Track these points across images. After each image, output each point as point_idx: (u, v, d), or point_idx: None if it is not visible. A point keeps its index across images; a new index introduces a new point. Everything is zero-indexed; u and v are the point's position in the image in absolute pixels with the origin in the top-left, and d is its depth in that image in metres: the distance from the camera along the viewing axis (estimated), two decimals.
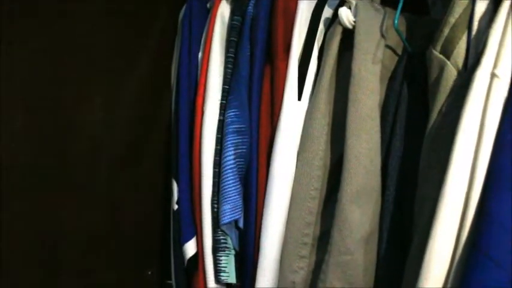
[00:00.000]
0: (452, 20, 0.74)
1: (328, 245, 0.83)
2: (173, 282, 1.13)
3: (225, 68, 1.03)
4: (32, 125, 0.93)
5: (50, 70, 0.95)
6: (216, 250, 1.01)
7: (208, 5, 1.12)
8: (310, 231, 0.89)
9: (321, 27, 0.95)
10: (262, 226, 0.92)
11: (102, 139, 1.07)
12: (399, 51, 0.88)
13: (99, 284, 1.08)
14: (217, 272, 1.02)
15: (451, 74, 0.74)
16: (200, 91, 1.04)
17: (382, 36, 0.85)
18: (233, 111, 0.98)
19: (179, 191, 1.08)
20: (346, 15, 0.86)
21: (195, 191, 1.04)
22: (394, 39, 0.87)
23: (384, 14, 0.86)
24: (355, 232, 0.81)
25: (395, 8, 0.83)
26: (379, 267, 0.84)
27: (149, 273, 1.20)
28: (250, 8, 1.02)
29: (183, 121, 1.07)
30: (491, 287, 0.63)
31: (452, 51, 0.74)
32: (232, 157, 0.97)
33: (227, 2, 1.07)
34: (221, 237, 1.00)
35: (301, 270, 0.89)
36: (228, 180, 0.97)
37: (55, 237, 0.98)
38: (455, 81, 0.73)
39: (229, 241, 1.01)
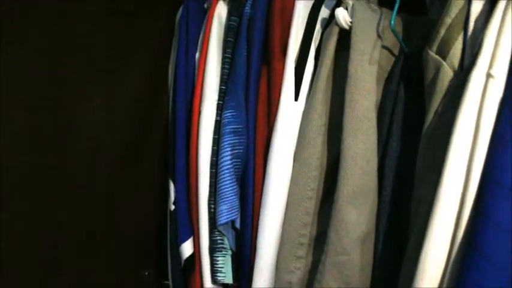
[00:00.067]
0: (448, 20, 0.74)
1: (324, 245, 0.83)
2: (170, 282, 1.13)
3: (222, 68, 1.03)
4: (32, 125, 0.93)
5: (49, 70, 0.95)
6: (212, 250, 1.01)
7: (205, 6, 1.12)
8: (306, 231, 0.89)
9: (318, 27, 0.95)
10: (259, 226, 0.92)
11: (102, 139, 1.07)
12: (396, 52, 0.88)
13: (97, 284, 1.08)
14: (214, 272, 1.02)
15: (447, 74, 0.74)
16: (197, 91, 1.04)
17: (379, 36, 0.85)
18: (230, 112, 0.98)
19: (176, 192, 1.07)
20: (342, 15, 0.86)
21: (191, 191, 1.04)
22: (390, 40, 0.87)
23: (381, 14, 0.86)
24: (351, 232, 0.81)
25: (392, 8, 0.83)
26: (375, 268, 0.84)
27: (146, 273, 1.20)
28: (247, 9, 1.02)
29: (180, 121, 1.07)
30: (486, 286, 0.63)
31: (448, 52, 0.74)
32: (229, 157, 0.97)
33: (224, 3, 1.07)
34: (218, 237, 1.00)
35: (298, 270, 0.89)
36: (225, 181, 0.97)
37: (55, 237, 0.98)
38: (451, 81, 0.73)
39: (226, 241, 1.01)
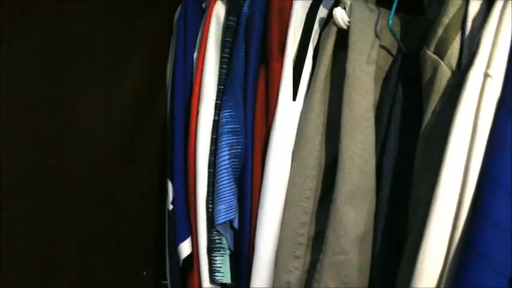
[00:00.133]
0: (446, 20, 0.74)
1: (323, 245, 0.83)
2: (168, 282, 1.13)
3: (220, 68, 1.03)
4: (32, 125, 0.92)
5: (49, 70, 0.95)
6: (211, 250, 1.01)
7: (203, 5, 1.12)
8: (305, 231, 0.89)
9: (316, 27, 0.95)
10: (257, 226, 0.92)
11: (102, 139, 1.07)
12: (394, 52, 0.89)
13: (97, 284, 1.08)
14: (212, 272, 1.02)
15: (444, 74, 0.74)
16: (195, 91, 1.04)
17: (377, 36, 0.85)
18: (228, 112, 0.98)
19: (174, 191, 1.07)
20: (340, 15, 0.87)
21: (190, 191, 1.04)
22: (388, 40, 0.87)
23: (378, 14, 0.86)
24: (349, 232, 0.81)
25: (390, 8, 0.83)
26: (373, 267, 0.84)
27: (144, 273, 1.19)
28: (245, 8, 1.02)
29: (178, 121, 1.07)
30: (484, 286, 0.63)
31: (446, 52, 0.74)
32: (227, 157, 0.97)
33: (222, 2, 1.07)
34: (216, 237, 1.00)
35: (296, 270, 0.89)
36: (223, 181, 0.97)
37: (55, 237, 0.98)
38: (449, 81, 0.74)
39: (224, 241, 1.01)
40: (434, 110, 0.75)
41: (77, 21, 0.99)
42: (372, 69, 0.84)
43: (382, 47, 0.87)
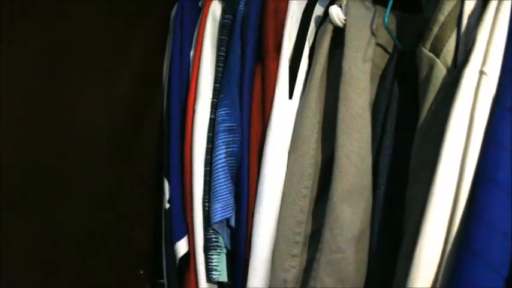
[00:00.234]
0: (441, 18, 0.74)
1: (319, 244, 0.83)
2: (165, 281, 1.13)
3: (216, 66, 1.02)
4: (32, 125, 0.92)
5: (49, 70, 0.95)
6: (207, 249, 1.01)
7: (199, 4, 1.12)
8: (301, 229, 0.89)
9: (312, 25, 0.95)
10: (254, 225, 0.92)
11: (102, 139, 1.07)
12: (390, 50, 0.88)
13: (96, 284, 1.08)
14: (208, 270, 1.01)
15: (440, 71, 0.74)
16: (191, 89, 1.04)
17: (373, 34, 0.85)
18: (224, 110, 0.98)
19: (170, 190, 1.07)
20: (336, 13, 0.87)
21: (186, 189, 1.04)
22: (384, 38, 0.87)
23: (375, 12, 0.86)
24: (346, 231, 0.81)
25: (386, 6, 0.83)
26: (370, 266, 0.84)
27: (141, 272, 1.19)
28: (241, 7, 1.02)
29: (174, 120, 1.07)
30: (480, 285, 0.63)
31: (441, 49, 0.74)
32: (223, 156, 0.97)
33: (218, 1, 1.07)
34: (212, 235, 1.00)
35: (293, 268, 0.89)
36: (219, 179, 0.97)
37: (55, 237, 0.98)
38: (445, 78, 0.73)
39: (220, 240, 1.01)
40: (430, 107, 0.75)
41: (77, 21, 0.99)
42: (368, 67, 0.84)
43: (378, 45, 0.87)
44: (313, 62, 0.90)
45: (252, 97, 0.98)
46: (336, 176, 0.81)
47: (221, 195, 0.97)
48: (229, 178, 0.98)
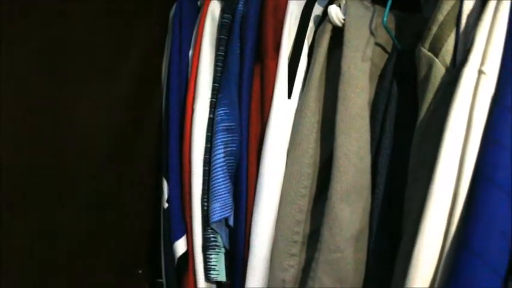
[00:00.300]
0: (440, 17, 0.74)
1: (318, 243, 0.83)
2: (164, 280, 1.12)
3: (215, 66, 1.02)
4: (32, 125, 0.92)
5: (49, 70, 0.94)
6: (206, 248, 1.01)
7: (198, 3, 1.12)
8: (300, 229, 0.89)
9: (311, 25, 0.95)
10: (252, 224, 0.92)
11: (102, 139, 1.07)
12: (389, 49, 0.89)
13: (95, 284, 1.08)
14: (207, 270, 1.01)
15: (439, 71, 0.74)
16: (190, 89, 1.04)
17: (372, 33, 0.85)
18: (223, 109, 0.98)
19: (169, 189, 1.07)
20: (335, 12, 0.87)
21: (185, 189, 1.04)
22: (383, 37, 0.87)
23: (373, 11, 0.87)
24: (345, 230, 0.81)
25: (385, 5, 0.83)
26: (368, 265, 0.84)
27: (139, 272, 1.19)
28: (241, 6, 1.01)
29: (173, 119, 1.07)
30: (478, 285, 0.63)
31: (440, 49, 0.74)
32: (222, 155, 0.97)
33: (217, 0, 1.07)
34: (211, 235, 1.00)
35: (292, 268, 0.89)
36: (218, 178, 0.97)
37: (55, 237, 0.98)
38: (443, 78, 0.74)
39: (219, 239, 1.01)
40: (429, 107, 0.75)
41: (77, 21, 0.99)
42: (367, 66, 0.84)
43: (377, 44, 0.87)
44: (312, 61, 0.90)
45: (251, 96, 0.98)
46: (335, 175, 0.81)
47: (220, 195, 0.97)
48: (228, 177, 0.98)
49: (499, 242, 0.62)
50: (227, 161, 0.97)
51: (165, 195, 1.09)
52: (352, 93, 0.82)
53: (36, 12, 0.90)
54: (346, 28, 0.85)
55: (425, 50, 0.76)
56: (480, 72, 0.66)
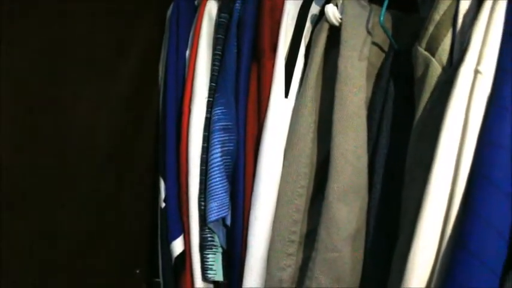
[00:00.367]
0: (437, 17, 0.74)
1: (315, 243, 0.83)
2: (161, 280, 1.12)
3: (212, 65, 1.02)
4: (32, 125, 0.92)
5: (49, 70, 0.94)
6: (203, 248, 1.01)
7: (195, 3, 1.12)
8: (297, 228, 0.89)
9: (308, 24, 0.95)
10: (250, 224, 0.92)
11: (102, 139, 1.07)
12: (386, 49, 0.89)
13: (95, 284, 1.07)
14: (204, 269, 1.01)
15: (435, 70, 0.74)
16: (187, 89, 1.04)
17: (369, 33, 0.85)
18: (220, 109, 0.98)
19: (166, 189, 1.07)
20: (332, 12, 0.86)
21: (182, 188, 1.04)
22: (380, 37, 0.87)
23: (370, 11, 0.86)
24: (342, 230, 0.81)
25: (382, 5, 0.83)
26: (365, 265, 0.84)
27: (137, 271, 1.19)
28: (238, 6, 1.02)
29: (170, 119, 1.07)
30: (475, 285, 0.63)
31: (437, 48, 0.74)
32: (219, 155, 0.97)
33: (214, 0, 1.07)
34: (208, 235, 1.00)
35: (289, 267, 0.89)
36: (215, 178, 0.97)
37: (55, 237, 0.98)
38: (440, 77, 0.74)
39: (216, 239, 1.01)
40: (426, 106, 0.75)
41: (77, 21, 0.99)
42: (364, 66, 0.84)
43: (374, 43, 0.87)
44: (309, 61, 0.90)
45: (247, 96, 0.98)
46: (332, 175, 0.81)
47: (217, 194, 0.97)
48: (225, 177, 0.98)
49: (496, 242, 0.62)
50: (224, 161, 0.97)
51: (162, 195, 1.09)
52: (349, 92, 0.82)
53: (36, 12, 0.91)
54: (343, 27, 0.84)
55: (422, 50, 0.76)
56: (476, 71, 0.66)
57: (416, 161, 0.75)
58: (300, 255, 0.89)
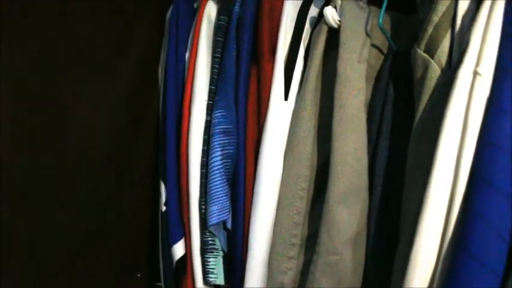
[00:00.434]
0: (435, 18, 0.74)
1: (316, 246, 0.83)
2: (162, 284, 1.12)
3: (212, 68, 1.02)
4: (32, 125, 0.92)
5: (49, 70, 0.95)
6: (204, 251, 1.01)
7: (195, 5, 1.11)
8: (298, 231, 0.89)
9: (307, 26, 0.95)
10: (250, 227, 0.92)
11: (102, 139, 1.07)
12: (385, 50, 0.88)
13: (95, 284, 1.08)
14: (205, 273, 1.01)
15: (435, 72, 0.74)
16: (187, 91, 1.04)
17: (368, 35, 0.85)
18: (220, 112, 0.98)
19: (167, 192, 1.07)
20: (331, 14, 0.86)
21: (182, 192, 1.03)
22: (379, 38, 0.87)
23: (369, 12, 0.86)
24: (342, 232, 0.81)
25: (381, 6, 0.83)
26: (367, 267, 0.84)
27: (138, 275, 1.19)
28: (237, 8, 1.01)
29: (170, 122, 1.07)
30: (476, 286, 0.62)
31: (436, 50, 0.74)
32: (219, 158, 0.96)
33: (214, 2, 1.06)
34: (209, 238, 1.00)
35: (290, 271, 0.89)
36: (215, 181, 0.96)
37: (55, 237, 0.98)
38: (439, 79, 0.73)
39: (217, 242, 1.01)
40: (425, 108, 0.75)
41: (77, 21, 0.99)
42: (363, 68, 0.84)
43: (373, 45, 0.87)
44: (308, 63, 0.89)
45: (247, 99, 0.98)
46: (332, 177, 0.81)
47: (217, 198, 0.97)
48: (225, 180, 0.97)
49: (497, 244, 0.62)
50: (224, 164, 0.97)
51: (163, 198, 1.08)
52: (349, 94, 0.82)
53: (36, 12, 0.91)
54: (342, 29, 0.84)
55: (420, 51, 0.76)
56: (475, 73, 0.66)
57: (416, 162, 0.75)
58: (301, 258, 0.89)
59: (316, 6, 0.95)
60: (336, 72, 0.83)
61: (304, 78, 0.90)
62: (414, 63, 0.78)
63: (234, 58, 0.99)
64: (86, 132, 1.03)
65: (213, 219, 0.97)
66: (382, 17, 0.82)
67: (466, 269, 0.62)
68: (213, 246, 1.00)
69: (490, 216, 0.62)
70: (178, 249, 1.05)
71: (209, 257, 1.00)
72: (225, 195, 0.97)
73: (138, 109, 1.16)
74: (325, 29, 0.88)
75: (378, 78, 0.87)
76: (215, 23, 1.05)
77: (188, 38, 1.09)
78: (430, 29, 0.75)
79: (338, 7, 0.87)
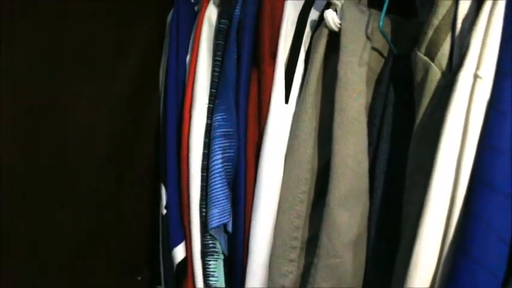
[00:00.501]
0: (436, 21, 0.74)
1: (316, 249, 0.83)
2: (163, 287, 1.12)
3: (213, 71, 1.02)
4: (32, 125, 0.92)
5: (49, 70, 0.95)
6: (204, 255, 1.01)
7: (195, 8, 1.12)
8: (298, 234, 0.89)
9: (308, 30, 0.95)
10: (251, 230, 0.92)
11: (102, 139, 1.07)
12: (385, 54, 0.88)
13: (94, 284, 1.07)
14: (206, 276, 1.01)
15: (435, 75, 0.74)
16: (188, 95, 1.04)
17: (368, 38, 0.85)
18: (220, 115, 0.98)
19: (167, 195, 1.07)
20: (331, 17, 0.86)
21: (183, 195, 1.03)
22: (380, 42, 0.87)
23: (369, 16, 0.86)
24: (343, 235, 0.81)
25: (381, 9, 0.83)
26: (367, 270, 0.84)
27: (139, 278, 1.19)
28: (237, 11, 1.01)
29: (170, 125, 1.07)
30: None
31: (436, 53, 0.74)
32: (219, 161, 0.96)
33: (214, 5, 1.07)
34: (210, 241, 1.00)
35: (291, 274, 0.89)
36: (216, 184, 0.96)
37: (55, 237, 0.98)
38: (439, 82, 0.73)
39: (217, 245, 1.00)
40: (426, 111, 0.75)
41: (77, 21, 0.99)
42: (363, 71, 0.84)
43: (373, 49, 0.87)
44: (309, 66, 0.89)
45: (248, 102, 0.98)
46: (333, 180, 0.81)
47: (218, 201, 0.97)
48: (225, 183, 0.97)
49: (498, 247, 0.62)
50: (225, 167, 0.97)
51: (164, 201, 1.09)
52: (349, 98, 0.82)
53: (36, 12, 0.91)
54: (342, 33, 0.84)
55: (421, 55, 0.76)
56: (476, 76, 0.65)
57: (416, 166, 0.75)
58: (302, 261, 0.89)
59: (316, 9, 0.95)
60: (336, 75, 0.83)
61: (305, 82, 0.90)
62: (415, 67, 0.78)
63: (235, 61, 0.99)
64: (86, 132, 1.03)
65: (214, 222, 0.97)
66: (382, 20, 0.82)
67: (466, 272, 0.62)
68: (213, 249, 1.00)
69: (490, 219, 0.62)
70: (179, 252, 1.05)
71: (210, 260, 1.00)
72: (226, 198, 0.97)
73: (138, 109, 1.16)
74: (325, 32, 0.88)
75: (379, 81, 0.87)
76: (216, 26, 1.05)
77: (189, 41, 1.09)
78: (430, 32, 0.75)
79: (338, 10, 0.86)
